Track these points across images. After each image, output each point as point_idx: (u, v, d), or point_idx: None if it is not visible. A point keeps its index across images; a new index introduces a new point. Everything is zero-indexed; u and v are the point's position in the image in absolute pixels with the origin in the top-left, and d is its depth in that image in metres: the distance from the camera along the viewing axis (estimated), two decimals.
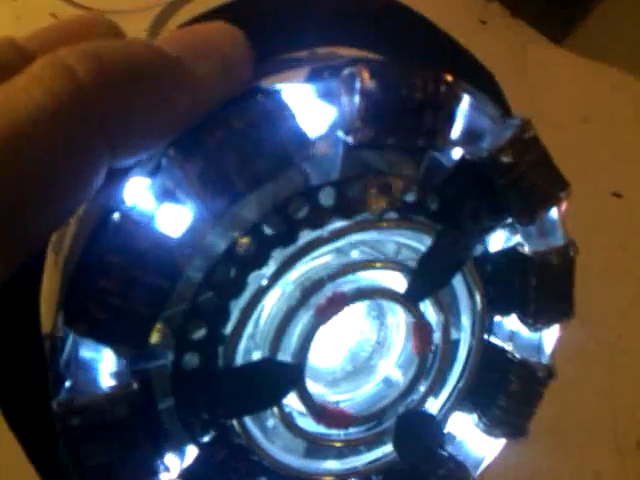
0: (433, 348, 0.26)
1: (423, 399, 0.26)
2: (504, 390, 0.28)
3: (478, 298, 0.26)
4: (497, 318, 0.28)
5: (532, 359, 0.28)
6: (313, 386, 0.26)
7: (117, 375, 0.21)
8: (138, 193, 0.20)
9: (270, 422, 0.25)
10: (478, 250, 0.27)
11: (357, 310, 0.27)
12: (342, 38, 0.23)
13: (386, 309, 0.27)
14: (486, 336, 0.28)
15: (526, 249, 0.27)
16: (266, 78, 0.21)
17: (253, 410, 0.23)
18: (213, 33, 0.20)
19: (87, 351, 0.21)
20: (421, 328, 0.25)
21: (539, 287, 0.27)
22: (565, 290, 0.27)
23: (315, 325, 0.23)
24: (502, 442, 0.29)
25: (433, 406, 0.27)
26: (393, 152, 0.23)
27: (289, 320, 0.23)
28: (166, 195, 0.20)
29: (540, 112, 0.43)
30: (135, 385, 0.21)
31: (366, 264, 0.24)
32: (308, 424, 0.25)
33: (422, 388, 0.26)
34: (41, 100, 0.16)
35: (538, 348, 0.29)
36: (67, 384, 0.20)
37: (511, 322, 0.28)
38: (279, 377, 0.23)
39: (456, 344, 0.27)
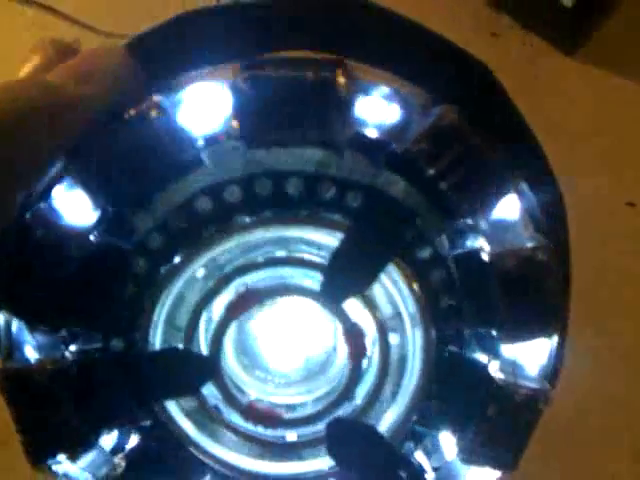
0: (368, 353, 0.25)
1: (365, 407, 0.25)
2: (481, 414, 0.25)
3: (421, 302, 0.24)
4: (468, 330, 0.26)
5: (510, 380, 0.25)
6: (261, 387, 0.27)
7: (49, 350, 0.24)
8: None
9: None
10: (427, 253, 0.25)
11: (315, 316, 0.27)
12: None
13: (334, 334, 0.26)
14: (455, 348, 0.26)
15: (485, 254, 0.24)
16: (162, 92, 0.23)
17: (170, 396, 0.24)
18: (99, 58, 0.22)
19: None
20: (350, 331, 0.24)
21: (503, 294, 0.24)
22: (538, 300, 0.24)
23: (226, 320, 0.24)
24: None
25: (388, 416, 0.26)
26: (301, 149, 0.23)
27: (198, 313, 0.24)
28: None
29: (552, 124, 0.45)
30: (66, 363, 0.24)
31: (275, 260, 0.24)
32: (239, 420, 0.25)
33: (360, 395, 0.25)
34: None
35: (514, 367, 0.25)
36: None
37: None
38: (194, 367, 0.24)
39: (404, 354, 0.25)
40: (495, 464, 0.26)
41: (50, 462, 0.25)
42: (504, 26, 0.50)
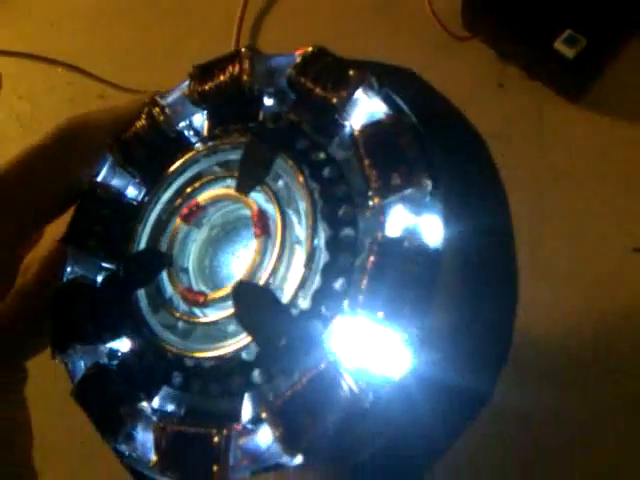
0: (271, 233, 0.31)
1: (269, 277, 0.30)
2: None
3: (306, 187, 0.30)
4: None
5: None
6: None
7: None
8: None
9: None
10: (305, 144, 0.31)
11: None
12: None
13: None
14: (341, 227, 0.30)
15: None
16: None
17: (138, 285, 0.33)
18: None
19: None
20: (258, 215, 0.31)
21: (372, 160, 0.29)
22: (397, 154, 0.28)
23: (182, 225, 0.33)
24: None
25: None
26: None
27: (165, 223, 0.34)
28: None
29: (558, 171, 0.46)
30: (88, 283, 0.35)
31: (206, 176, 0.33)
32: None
33: (266, 268, 0.30)
34: None
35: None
36: None
37: None
38: (156, 260, 0.33)
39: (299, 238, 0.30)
40: None
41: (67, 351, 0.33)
42: (510, 76, 0.52)
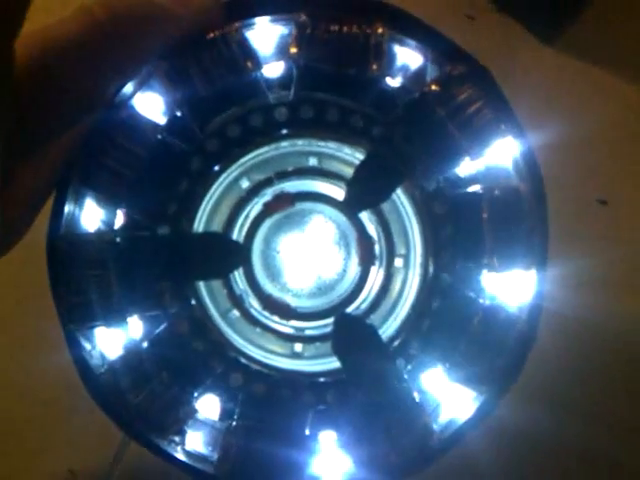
0: (376, 262, 0.29)
1: (368, 310, 0.29)
2: (466, 333, 0.29)
3: (421, 226, 0.29)
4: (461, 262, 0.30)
5: (496, 303, 0.29)
6: (280, 295, 0.31)
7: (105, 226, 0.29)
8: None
9: (233, 313, 0.30)
10: (433, 185, 0.30)
11: (328, 243, 0.32)
12: None
13: (350, 242, 0.31)
14: (447, 276, 0.30)
15: (480, 188, 0.29)
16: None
17: (204, 276, 0.29)
18: None
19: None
20: (363, 239, 0.29)
21: (491, 226, 0.29)
22: (520, 232, 0.29)
23: (262, 215, 0.29)
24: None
25: (386, 329, 0.30)
26: (341, 84, 0.29)
27: (239, 208, 0.29)
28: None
29: (527, 112, 0.43)
30: (118, 240, 0.29)
31: (307, 170, 0.29)
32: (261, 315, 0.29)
33: (366, 299, 0.29)
34: (71, 28, 0.26)
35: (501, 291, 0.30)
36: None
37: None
38: (229, 252, 0.29)
39: (406, 268, 0.30)
40: (475, 382, 0.29)
41: (79, 328, 0.28)
42: (480, 9, 0.50)
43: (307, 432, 0.29)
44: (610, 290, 0.40)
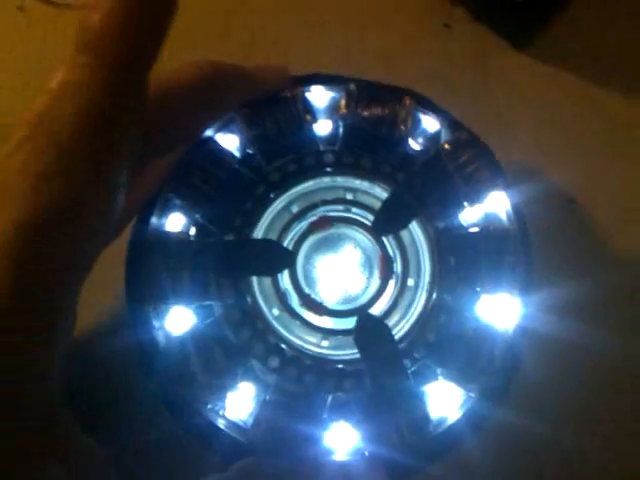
0: (394, 277, 0.37)
1: (383, 316, 0.37)
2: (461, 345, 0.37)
3: (430, 255, 0.37)
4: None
5: (486, 322, 0.37)
6: (315, 297, 0.39)
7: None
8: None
9: (272, 314, 0.38)
10: (442, 224, 0.39)
11: (355, 265, 0.40)
12: None
13: (374, 261, 0.39)
14: (448, 297, 0.38)
15: (477, 228, 0.38)
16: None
17: (257, 273, 0.37)
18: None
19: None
20: (385, 258, 0.37)
21: (484, 257, 0.37)
22: (506, 262, 0.37)
23: (307, 232, 0.37)
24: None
25: (397, 333, 0.37)
26: (375, 140, 0.39)
27: (290, 223, 0.37)
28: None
29: (499, 115, 0.48)
30: (192, 241, 0.37)
31: (344, 200, 0.38)
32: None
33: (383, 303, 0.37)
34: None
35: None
36: None
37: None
38: (279, 256, 0.37)
39: (415, 287, 0.38)
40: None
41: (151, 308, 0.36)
42: (457, 18, 0.52)
43: (325, 412, 0.36)
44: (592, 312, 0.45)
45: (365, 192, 0.39)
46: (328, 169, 0.38)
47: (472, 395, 0.36)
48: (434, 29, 0.52)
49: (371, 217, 0.38)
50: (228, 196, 0.37)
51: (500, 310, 0.37)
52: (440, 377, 0.36)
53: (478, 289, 0.37)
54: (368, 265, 0.39)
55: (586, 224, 0.46)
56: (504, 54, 0.51)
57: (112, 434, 0.42)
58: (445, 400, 0.37)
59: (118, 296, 0.40)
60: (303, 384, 0.37)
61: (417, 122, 0.38)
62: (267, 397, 0.36)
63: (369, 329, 0.36)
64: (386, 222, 0.37)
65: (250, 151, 0.38)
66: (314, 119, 0.38)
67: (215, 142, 0.38)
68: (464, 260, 0.38)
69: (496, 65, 0.51)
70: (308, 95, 0.38)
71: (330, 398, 0.36)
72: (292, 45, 0.54)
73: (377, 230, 0.37)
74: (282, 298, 0.37)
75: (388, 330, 0.36)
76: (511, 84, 0.51)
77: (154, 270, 0.36)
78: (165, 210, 0.37)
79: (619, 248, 0.46)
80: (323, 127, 0.39)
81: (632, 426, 0.45)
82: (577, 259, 0.45)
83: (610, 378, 0.45)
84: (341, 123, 0.38)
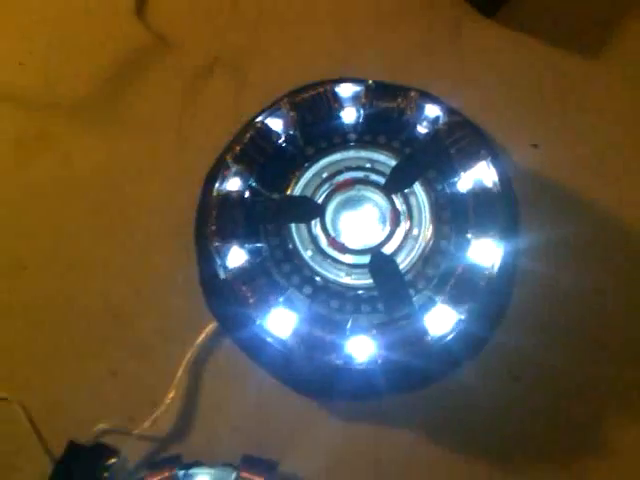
0: (401, 226, 0.48)
1: (392, 254, 0.48)
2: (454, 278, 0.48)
3: (430, 209, 0.48)
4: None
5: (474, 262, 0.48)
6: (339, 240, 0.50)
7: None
8: None
9: (307, 252, 0.49)
10: (440, 186, 0.50)
11: (370, 217, 0.51)
12: None
13: (386, 214, 0.50)
14: (445, 242, 0.49)
15: (468, 187, 0.49)
16: None
17: (300, 220, 0.48)
18: None
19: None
20: (394, 211, 0.49)
21: (474, 210, 0.48)
22: (491, 213, 0.48)
23: (334, 190, 0.49)
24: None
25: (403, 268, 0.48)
26: (389, 122, 0.50)
27: (322, 184, 0.49)
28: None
29: (471, 80, 0.56)
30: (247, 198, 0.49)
31: (364, 168, 0.50)
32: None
33: (393, 245, 0.48)
34: None
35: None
36: None
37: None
38: (313, 208, 0.49)
39: (418, 234, 0.49)
40: None
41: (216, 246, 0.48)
42: None
43: (347, 329, 0.47)
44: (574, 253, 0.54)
45: (380, 162, 0.50)
46: (351, 144, 0.50)
47: (463, 318, 0.46)
48: (419, 2, 0.61)
49: (384, 180, 0.49)
50: (274, 165, 0.49)
51: (486, 252, 0.48)
52: (438, 303, 0.47)
53: (468, 236, 0.48)
54: (382, 219, 0.50)
55: (547, 168, 0.56)
56: (474, 21, 0.59)
57: None
58: (442, 322, 0.47)
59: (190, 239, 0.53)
60: (330, 307, 0.48)
61: (420, 109, 0.50)
62: (302, 317, 0.47)
63: (381, 263, 0.47)
64: (395, 183, 0.49)
65: (291, 131, 0.50)
66: (341, 107, 0.50)
67: (265, 124, 0.50)
68: (457, 214, 0.49)
69: (468, 31, 0.59)
70: (337, 89, 0.50)
71: (351, 318, 0.47)
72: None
73: (388, 189, 0.49)
74: (314, 241, 0.48)
75: (396, 265, 0.47)
76: (481, 47, 0.59)
77: (218, 219, 0.48)
78: (227, 175, 0.49)
79: (577, 190, 0.56)
80: (348, 113, 0.50)
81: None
82: (551, 205, 0.55)
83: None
84: (362, 110, 0.50)
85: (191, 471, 0.47)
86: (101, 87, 0.60)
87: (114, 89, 0.60)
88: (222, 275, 0.48)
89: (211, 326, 0.53)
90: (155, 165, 0.58)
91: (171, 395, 0.52)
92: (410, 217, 0.49)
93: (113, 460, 0.51)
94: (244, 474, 0.47)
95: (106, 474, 0.51)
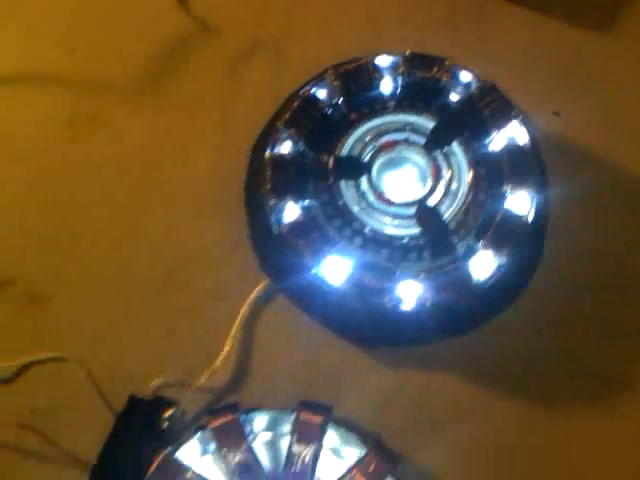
0: (442, 181, 0.53)
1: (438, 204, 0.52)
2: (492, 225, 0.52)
3: (468, 167, 0.53)
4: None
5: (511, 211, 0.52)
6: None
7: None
8: None
9: (356, 207, 0.53)
10: (476, 145, 0.54)
11: (412, 175, 0.55)
12: None
13: (427, 172, 0.55)
14: (482, 195, 0.53)
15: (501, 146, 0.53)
16: None
17: (348, 178, 0.52)
18: None
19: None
20: (435, 167, 0.53)
21: (508, 166, 0.53)
22: (524, 168, 0.52)
23: (378, 151, 0.53)
24: None
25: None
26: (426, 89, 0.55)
27: (366, 146, 0.54)
28: None
29: (494, 55, 0.62)
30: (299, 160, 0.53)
31: (404, 130, 0.54)
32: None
33: (436, 198, 0.52)
34: None
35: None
36: None
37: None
38: (360, 166, 0.53)
39: (457, 189, 0.53)
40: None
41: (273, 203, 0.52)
42: None
43: (398, 272, 0.51)
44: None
45: (418, 124, 0.55)
46: (390, 110, 0.54)
47: (503, 263, 0.50)
48: None
49: (423, 142, 0.54)
50: (321, 130, 0.54)
51: (521, 203, 0.52)
52: (480, 249, 0.51)
53: (504, 189, 0.52)
54: (422, 177, 0.54)
55: (569, 133, 0.61)
56: (497, 5, 0.65)
57: None
58: (484, 267, 0.51)
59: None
60: (379, 256, 0.52)
61: (455, 76, 0.54)
62: (354, 264, 0.50)
63: (426, 214, 0.51)
64: (434, 142, 0.53)
65: (335, 99, 0.54)
66: (381, 76, 0.55)
67: (312, 93, 0.54)
68: (492, 169, 0.53)
69: (490, 15, 0.64)
70: (376, 60, 0.55)
71: (399, 265, 0.51)
72: None
73: (428, 148, 0.53)
74: (362, 196, 0.52)
75: (440, 214, 0.51)
76: (501, 25, 0.64)
77: (273, 178, 0.52)
78: (278, 139, 0.53)
79: (599, 153, 0.61)
80: (387, 82, 0.55)
81: None
82: (572, 164, 0.60)
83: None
84: (400, 79, 0.55)
85: (251, 415, 0.50)
86: (148, 71, 0.64)
87: (160, 73, 0.64)
88: (276, 231, 0.51)
89: (262, 284, 0.56)
90: (201, 141, 0.62)
91: (227, 349, 0.55)
92: (450, 172, 0.53)
93: (172, 411, 0.53)
94: (303, 415, 0.49)
95: (166, 424, 0.53)
